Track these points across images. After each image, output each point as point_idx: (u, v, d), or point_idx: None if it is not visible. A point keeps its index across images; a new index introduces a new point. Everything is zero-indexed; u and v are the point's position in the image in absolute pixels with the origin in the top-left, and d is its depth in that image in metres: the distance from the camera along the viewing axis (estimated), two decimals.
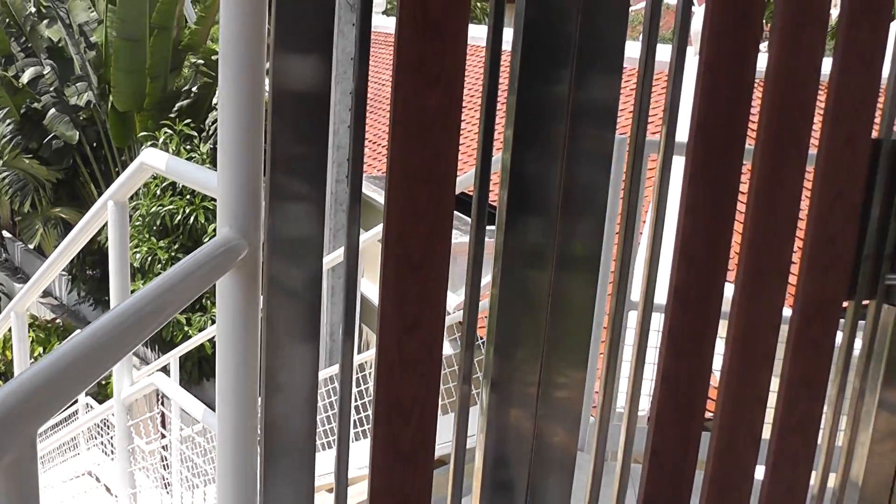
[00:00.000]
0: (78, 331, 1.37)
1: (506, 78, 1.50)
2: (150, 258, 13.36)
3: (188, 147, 14.32)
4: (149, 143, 14.04)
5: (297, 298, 1.47)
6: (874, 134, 1.82)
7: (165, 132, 14.29)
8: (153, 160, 2.55)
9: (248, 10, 1.37)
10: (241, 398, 1.46)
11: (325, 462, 4.33)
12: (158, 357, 10.97)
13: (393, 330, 1.50)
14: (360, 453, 3.73)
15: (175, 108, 15.29)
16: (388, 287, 1.48)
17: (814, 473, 1.99)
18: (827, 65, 1.71)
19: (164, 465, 4.08)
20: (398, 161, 1.43)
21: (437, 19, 1.39)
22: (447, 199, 1.46)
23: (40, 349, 14.80)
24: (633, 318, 3.25)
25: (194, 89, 15.53)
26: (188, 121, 14.65)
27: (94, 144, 17.23)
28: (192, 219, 13.46)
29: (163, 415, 4.17)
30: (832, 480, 2.08)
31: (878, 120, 1.83)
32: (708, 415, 1.83)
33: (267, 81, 1.42)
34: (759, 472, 1.91)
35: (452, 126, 1.44)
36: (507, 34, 1.46)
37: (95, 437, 5.16)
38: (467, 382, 1.59)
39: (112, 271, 2.99)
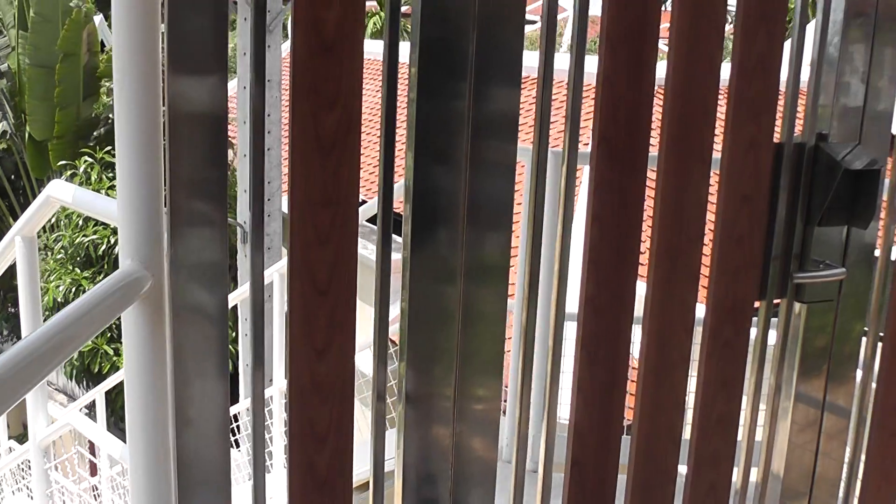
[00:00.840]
0: None
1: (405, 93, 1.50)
2: (74, 289, 13.08)
3: (110, 175, 14.05)
4: (69, 172, 13.75)
5: (204, 329, 1.45)
6: (776, 138, 1.86)
7: (86, 160, 14.00)
8: (59, 193, 2.50)
9: (139, 32, 1.35)
10: (151, 434, 1.43)
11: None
12: (86, 391, 10.72)
13: (303, 355, 1.48)
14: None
15: (93, 136, 14.98)
16: (295, 312, 1.46)
17: (735, 469, 2.02)
18: (727, 70, 1.75)
19: None
20: (298, 184, 1.42)
21: (331, 41, 1.38)
22: (351, 222, 1.46)
23: None
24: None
25: (111, 116, 15.23)
26: (109, 148, 14.37)
27: (13, 176, 16.81)
28: (116, 248, 13.20)
29: (85, 455, 4.08)
30: (754, 475, 2.12)
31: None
32: (628, 420, 1.84)
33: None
34: (682, 471, 1.94)
35: (352, 148, 1.43)
36: (405, 47, 1.46)
37: (20, 481, 5.01)
38: (382, 400, 1.58)
39: (23, 308, 2.92)
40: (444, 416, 1.62)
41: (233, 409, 5.21)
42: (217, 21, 1.38)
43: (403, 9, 1.49)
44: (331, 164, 1.43)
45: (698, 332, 1.87)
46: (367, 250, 2.18)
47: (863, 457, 2.23)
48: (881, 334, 2.18)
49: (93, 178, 13.73)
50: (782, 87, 1.87)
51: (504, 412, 3.64)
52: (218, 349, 1.48)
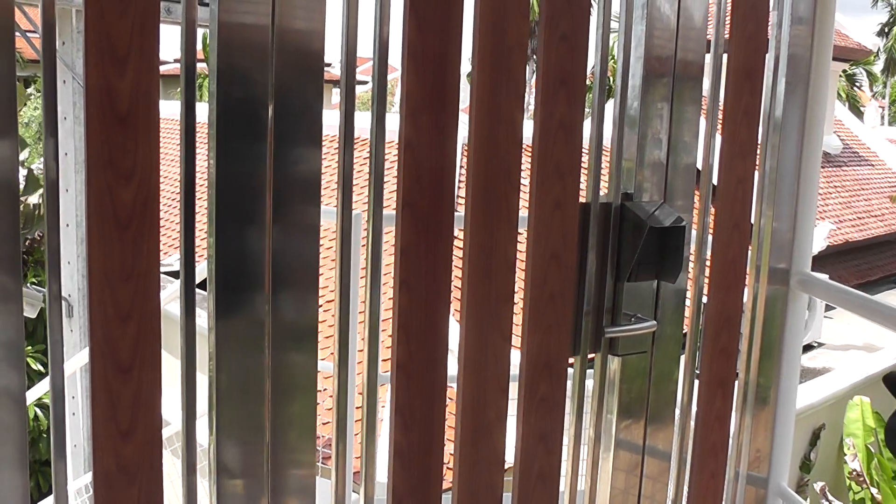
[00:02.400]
0: None
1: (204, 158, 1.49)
2: None
3: None
4: None
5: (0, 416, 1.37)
6: (583, 198, 1.93)
7: None
8: None
9: None
10: None
11: None
12: None
13: (107, 437, 1.43)
14: None
15: None
16: (98, 392, 1.41)
17: None
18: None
19: None
20: (96, 259, 1.38)
21: (125, 112, 1.36)
22: (153, 299, 1.42)
23: None
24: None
25: None
26: None
27: None
28: None
29: None
30: None
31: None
32: (448, 481, 1.85)
33: None
34: None
35: (151, 220, 1.40)
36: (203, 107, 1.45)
37: None
38: (193, 473, 1.53)
39: None
40: (259, 486, 1.59)
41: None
42: (5, 84, 1.32)
43: None
44: (129, 237, 1.40)
45: (514, 388, 1.90)
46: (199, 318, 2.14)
47: (685, 497, 2.31)
48: (697, 371, 2.28)
49: None
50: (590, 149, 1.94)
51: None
52: (16, 437, 1.39)
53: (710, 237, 2.23)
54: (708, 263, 2.24)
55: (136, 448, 1.46)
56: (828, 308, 12.61)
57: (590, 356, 2.04)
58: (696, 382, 2.29)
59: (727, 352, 2.31)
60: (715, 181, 2.20)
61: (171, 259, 8.21)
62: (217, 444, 1.55)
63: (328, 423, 3.19)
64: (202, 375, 1.52)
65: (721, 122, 2.19)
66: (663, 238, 1.99)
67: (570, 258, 1.91)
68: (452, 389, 1.83)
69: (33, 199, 10.42)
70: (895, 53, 32.00)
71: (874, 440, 6.29)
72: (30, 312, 7.79)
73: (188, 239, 1.47)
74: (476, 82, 1.71)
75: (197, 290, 1.52)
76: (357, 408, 1.75)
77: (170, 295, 3.47)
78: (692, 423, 2.30)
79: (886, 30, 32.92)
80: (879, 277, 17.14)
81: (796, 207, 2.38)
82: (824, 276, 2.44)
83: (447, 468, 1.83)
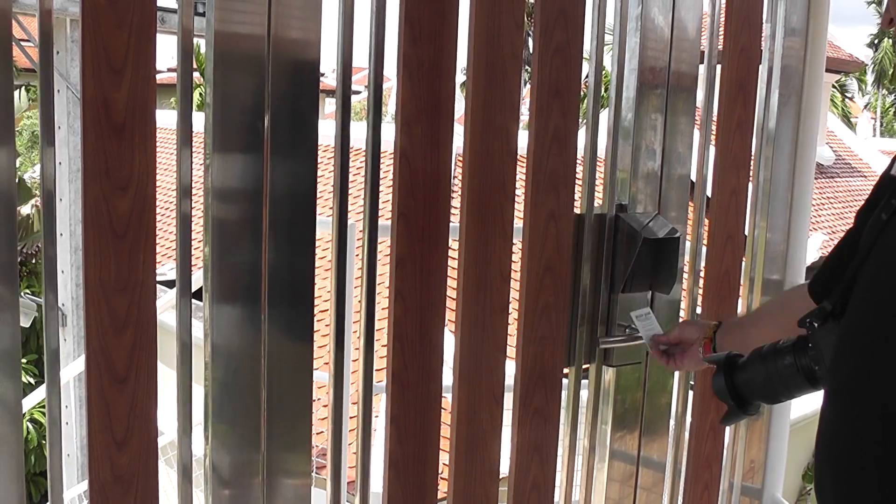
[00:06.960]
0: None
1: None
2: None
3: None
4: None
5: None
6: (577, 209, 1.93)
7: None
8: None
9: None
10: None
11: None
12: None
13: (102, 446, 1.43)
14: None
15: None
16: (93, 402, 1.41)
17: None
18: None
19: None
20: (92, 269, 1.38)
21: (121, 122, 1.36)
22: (149, 306, 1.42)
23: None
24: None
25: None
26: None
27: None
28: None
29: None
30: None
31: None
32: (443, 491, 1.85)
33: None
34: None
35: (147, 230, 1.40)
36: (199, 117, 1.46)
37: None
38: (188, 478, 1.53)
39: None
40: (254, 495, 1.59)
41: None
42: (2, 94, 1.32)
43: None
44: (125, 247, 1.40)
45: (509, 398, 1.90)
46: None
47: None
48: (691, 382, 2.28)
49: None
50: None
51: None
52: (12, 449, 1.39)
53: (703, 248, 2.23)
54: (702, 274, 2.25)
55: (132, 458, 1.46)
56: None
57: (584, 367, 2.04)
58: (691, 393, 2.30)
59: None
60: (709, 192, 2.21)
61: (163, 268, 8.19)
62: (212, 453, 1.55)
63: (322, 432, 3.19)
64: (197, 385, 1.52)
65: (714, 133, 2.20)
66: (657, 249, 2.00)
67: (564, 269, 1.91)
68: (447, 400, 1.84)
69: (25, 209, 10.37)
70: (885, 66, 32.13)
71: None
72: (23, 322, 7.75)
73: (184, 249, 1.47)
74: (470, 93, 1.72)
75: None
76: (352, 417, 1.76)
77: (164, 305, 3.47)
78: (686, 434, 2.31)
79: (876, 41, 33.05)
80: None
81: (790, 219, 2.39)
82: None
83: (442, 478, 1.83)
